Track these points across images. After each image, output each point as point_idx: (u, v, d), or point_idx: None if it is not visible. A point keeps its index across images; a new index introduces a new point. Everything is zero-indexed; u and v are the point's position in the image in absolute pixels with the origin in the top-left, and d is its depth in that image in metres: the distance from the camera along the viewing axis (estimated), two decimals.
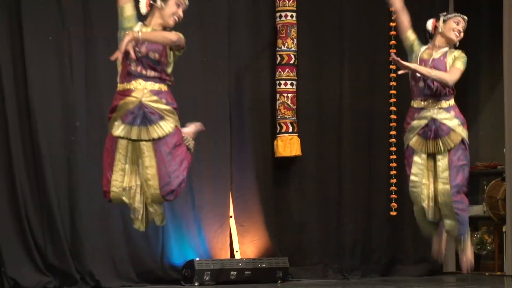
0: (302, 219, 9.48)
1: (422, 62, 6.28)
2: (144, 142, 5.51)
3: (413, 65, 6.21)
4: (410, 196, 6.43)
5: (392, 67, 9.73)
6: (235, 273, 8.64)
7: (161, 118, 5.52)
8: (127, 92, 5.54)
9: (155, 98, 5.52)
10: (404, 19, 6.40)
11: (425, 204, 6.26)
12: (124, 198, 5.53)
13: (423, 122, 6.18)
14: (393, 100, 9.73)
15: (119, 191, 5.53)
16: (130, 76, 5.53)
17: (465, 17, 6.38)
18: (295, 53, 9.27)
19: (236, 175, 9.10)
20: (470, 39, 10.89)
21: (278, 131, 9.26)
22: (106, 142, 5.67)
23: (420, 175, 6.21)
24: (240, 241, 9.10)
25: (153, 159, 5.48)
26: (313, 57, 9.56)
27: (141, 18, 5.74)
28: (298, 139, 9.29)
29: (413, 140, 6.21)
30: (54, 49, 8.27)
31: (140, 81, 5.54)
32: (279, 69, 9.26)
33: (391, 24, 9.70)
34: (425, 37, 6.52)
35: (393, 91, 9.73)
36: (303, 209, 9.48)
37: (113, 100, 5.66)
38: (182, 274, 8.44)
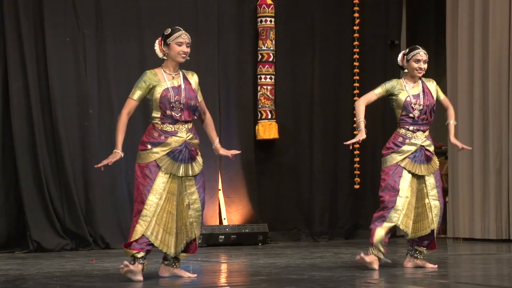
0: (279, 191, 9.55)
1: (416, 98, 6.00)
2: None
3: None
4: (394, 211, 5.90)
5: (355, 63, 9.85)
6: (223, 237, 8.72)
7: (197, 153, 5.46)
8: (172, 132, 5.36)
9: (191, 135, 5.44)
10: (363, 106, 6.01)
11: (402, 226, 5.90)
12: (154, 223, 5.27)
13: (413, 148, 5.96)
14: (356, 91, 9.85)
15: (153, 211, 5.25)
16: (173, 119, 5.36)
17: (425, 51, 6.06)
18: (274, 52, 9.32)
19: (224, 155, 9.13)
20: (420, 40, 11.05)
21: (259, 118, 9.32)
22: (142, 169, 5.32)
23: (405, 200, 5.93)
24: (227, 210, 9.18)
25: (193, 187, 5.42)
26: (289, 56, 9.61)
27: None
28: (276, 124, 9.36)
29: (405, 162, 5.93)
30: (71, 48, 8.33)
31: (183, 123, 5.40)
32: (260, 66, 9.31)
33: (354, 27, 9.83)
34: (398, 69, 6.24)
35: (356, 84, 9.84)
36: (280, 183, 9.56)
37: (152, 134, 5.36)
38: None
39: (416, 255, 6.11)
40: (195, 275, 5.50)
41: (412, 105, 5.98)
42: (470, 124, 9.32)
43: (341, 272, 5.75)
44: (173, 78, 5.44)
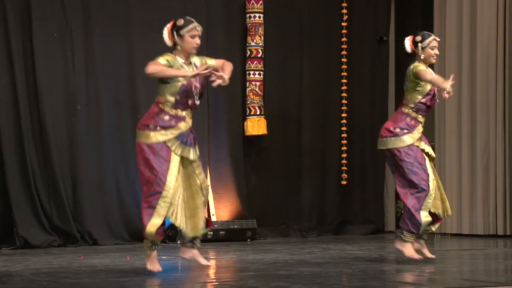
0: (268, 187, 9.55)
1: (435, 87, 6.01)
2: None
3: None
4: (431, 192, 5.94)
5: (344, 60, 9.86)
6: (212, 233, 8.69)
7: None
8: (182, 117, 5.42)
9: (191, 121, 5.51)
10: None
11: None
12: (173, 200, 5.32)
13: (419, 134, 5.97)
14: (344, 87, 9.86)
15: (172, 192, 5.29)
16: (185, 105, 5.42)
17: (438, 39, 6.09)
18: (263, 48, 9.32)
19: (213, 151, 9.14)
20: (408, 33, 11.01)
21: (247, 114, 9.31)
22: (152, 149, 5.33)
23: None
24: (215, 206, 9.16)
25: (199, 167, 5.49)
26: (278, 52, 9.60)
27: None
28: (265, 120, 9.35)
29: (422, 145, 5.96)
30: (59, 44, 8.29)
31: (191, 109, 5.48)
32: (249, 62, 9.31)
33: (343, 24, 9.84)
34: (406, 52, 6.16)
35: (344, 80, 9.85)
36: (268, 179, 9.55)
37: (161, 117, 5.38)
38: (166, 234, 8.47)
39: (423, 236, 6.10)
40: (209, 263, 5.64)
41: (436, 94, 5.96)
42: (458, 120, 9.35)
43: (329, 268, 5.76)
44: (189, 66, 5.48)
